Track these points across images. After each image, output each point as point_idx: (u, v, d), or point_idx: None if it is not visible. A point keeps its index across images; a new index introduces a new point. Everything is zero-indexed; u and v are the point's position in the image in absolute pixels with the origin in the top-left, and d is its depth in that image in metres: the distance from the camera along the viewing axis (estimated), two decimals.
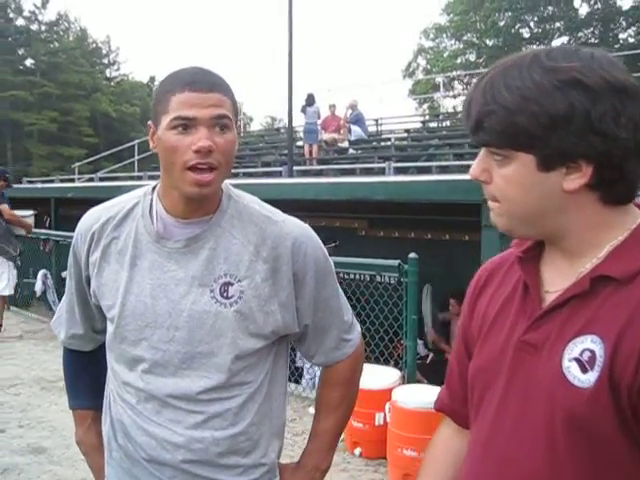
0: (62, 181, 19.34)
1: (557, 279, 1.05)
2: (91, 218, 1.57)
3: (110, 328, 1.53)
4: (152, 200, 1.51)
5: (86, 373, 1.75)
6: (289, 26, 12.41)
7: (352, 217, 9.11)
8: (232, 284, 1.44)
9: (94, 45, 51.45)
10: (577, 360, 0.95)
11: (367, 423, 4.40)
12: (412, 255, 4.86)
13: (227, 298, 1.44)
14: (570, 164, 0.96)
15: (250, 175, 14.89)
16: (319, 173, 14.26)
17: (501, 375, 1.08)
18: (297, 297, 1.49)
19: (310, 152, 15.70)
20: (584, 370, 0.94)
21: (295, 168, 14.00)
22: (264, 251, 1.46)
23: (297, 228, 1.52)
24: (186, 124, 1.34)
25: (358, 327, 1.67)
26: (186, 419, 1.45)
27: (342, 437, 4.70)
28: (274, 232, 1.48)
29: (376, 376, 4.59)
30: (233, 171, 15.95)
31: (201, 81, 1.37)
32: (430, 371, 6.77)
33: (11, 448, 4.55)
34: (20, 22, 46.34)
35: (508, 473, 1.04)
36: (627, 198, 1.01)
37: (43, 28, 47.58)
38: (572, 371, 0.96)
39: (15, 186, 9.95)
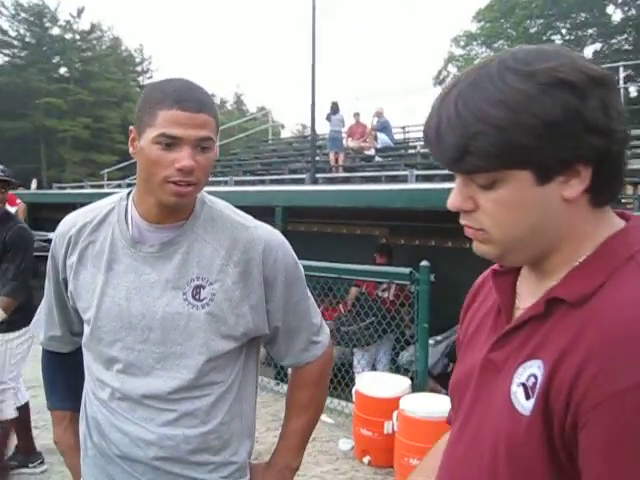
0: (92, 187, 19.63)
1: (527, 296, 1.01)
2: (68, 223, 1.62)
3: (86, 329, 1.57)
4: (127, 206, 1.56)
5: (64, 374, 1.79)
6: (312, 36, 12.46)
7: (373, 225, 9.10)
8: (204, 287, 1.48)
9: (127, 53, 52.23)
10: (524, 385, 0.92)
11: (376, 431, 4.40)
12: (424, 263, 4.84)
13: (199, 300, 1.48)
14: (568, 171, 0.89)
15: (277, 182, 14.94)
16: (345, 180, 14.27)
17: (470, 391, 1.05)
18: (267, 300, 1.54)
19: (336, 160, 15.72)
20: (527, 396, 0.91)
21: (321, 175, 14.03)
22: (235, 255, 1.50)
23: (268, 234, 1.57)
24: (171, 142, 1.38)
25: (327, 330, 1.72)
26: (158, 417, 1.50)
27: (351, 445, 4.70)
28: (245, 237, 1.52)
29: (386, 384, 4.59)
30: (260, 178, 15.95)
31: (190, 99, 1.39)
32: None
33: None
34: (55, 31, 47.22)
35: None
36: (616, 194, 0.95)
37: (77, 37, 48.39)
38: (518, 396, 0.92)
39: (44, 192, 10.11)
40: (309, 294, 1.66)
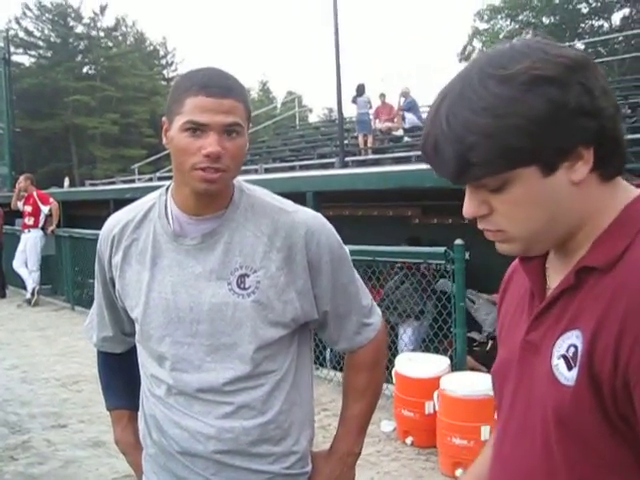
0: (124, 182, 19.83)
1: (556, 276, 1.02)
2: (111, 223, 1.63)
3: (137, 328, 1.58)
4: (166, 200, 1.56)
5: (119, 374, 1.80)
6: (334, 16, 12.38)
7: (405, 205, 9.06)
8: (248, 275, 1.47)
9: (151, 47, 52.54)
10: (564, 357, 0.93)
11: (417, 412, 4.38)
12: (458, 242, 4.80)
13: (244, 289, 1.47)
14: (571, 156, 0.91)
15: (306, 167, 14.93)
16: (375, 163, 14.20)
17: (512, 376, 1.06)
18: (314, 285, 1.52)
19: (365, 142, 15.66)
20: (569, 367, 0.92)
21: (351, 159, 13.97)
22: (277, 241, 1.48)
23: (310, 218, 1.55)
24: (197, 128, 1.38)
25: (378, 311, 1.68)
26: (216, 410, 1.49)
27: (394, 427, 4.70)
28: (286, 222, 1.50)
29: (425, 364, 4.57)
30: (290, 164, 15.95)
31: (216, 85, 1.38)
32: (489, 358, 6.67)
33: (73, 442, 4.72)
34: (80, 29, 47.64)
35: (511, 472, 1.04)
36: (622, 166, 0.97)
37: (102, 34, 48.79)
38: (560, 369, 0.93)
39: (76, 189, 10.23)
40: (357, 276, 1.63)
